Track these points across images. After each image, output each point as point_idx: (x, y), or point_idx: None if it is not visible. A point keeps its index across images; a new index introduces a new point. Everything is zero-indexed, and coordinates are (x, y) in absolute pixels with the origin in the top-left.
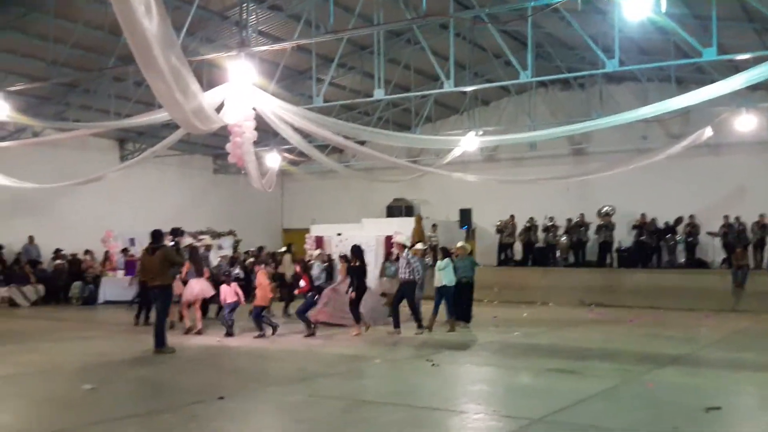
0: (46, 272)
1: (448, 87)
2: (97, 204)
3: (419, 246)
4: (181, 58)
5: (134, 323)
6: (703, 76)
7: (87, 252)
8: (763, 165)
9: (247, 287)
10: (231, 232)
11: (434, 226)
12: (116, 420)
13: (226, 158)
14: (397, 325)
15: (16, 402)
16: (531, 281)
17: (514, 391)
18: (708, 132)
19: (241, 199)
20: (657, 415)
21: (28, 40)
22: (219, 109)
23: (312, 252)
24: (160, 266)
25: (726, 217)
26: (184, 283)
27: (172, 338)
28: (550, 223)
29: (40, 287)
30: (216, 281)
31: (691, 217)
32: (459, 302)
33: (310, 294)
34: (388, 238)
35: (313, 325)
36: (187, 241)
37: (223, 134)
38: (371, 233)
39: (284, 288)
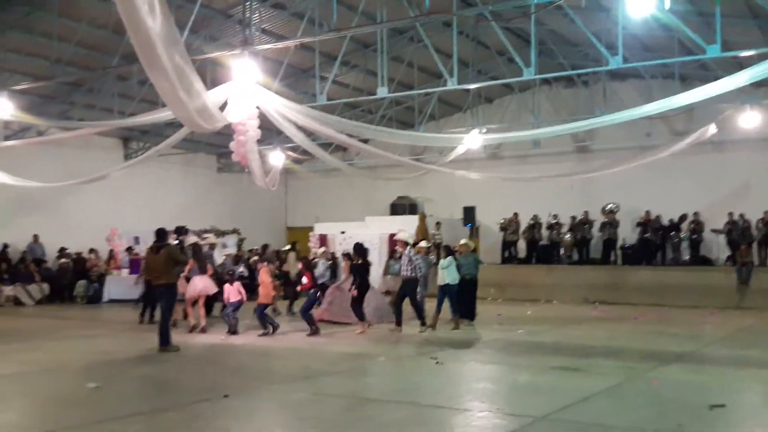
0: (51, 271)
1: (452, 85)
2: (101, 203)
3: (423, 244)
4: (185, 57)
5: (139, 321)
6: (707, 73)
7: (91, 251)
8: None
9: (251, 285)
10: (235, 231)
11: (438, 223)
12: (121, 418)
13: (229, 157)
14: (399, 322)
15: (20, 400)
16: (535, 279)
17: (518, 389)
18: (712, 129)
19: (245, 197)
20: (661, 413)
21: (32, 39)
22: (223, 107)
23: (316, 250)
24: (164, 265)
25: (730, 214)
26: (187, 280)
27: (177, 336)
28: (554, 221)
29: (45, 286)
30: (220, 279)
31: (696, 214)
32: (463, 300)
33: (312, 291)
34: (392, 236)
35: (315, 327)
36: (191, 239)
37: (226, 133)
38: (375, 231)
39: (289, 286)
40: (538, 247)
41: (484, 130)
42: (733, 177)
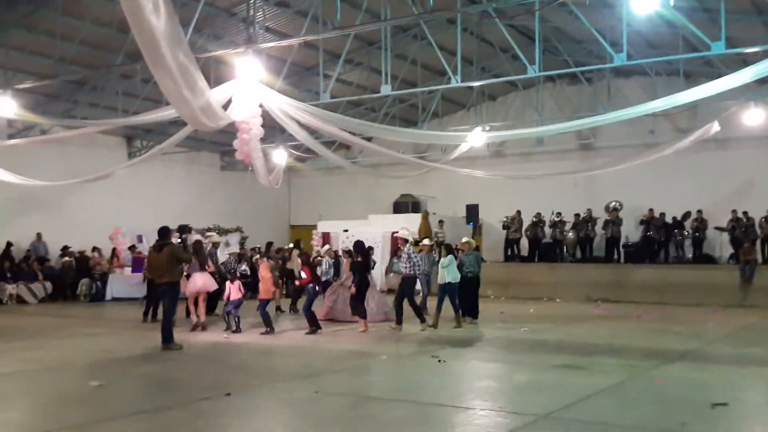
0: (54, 269)
1: (455, 82)
2: (104, 201)
3: (426, 242)
4: (189, 55)
5: (142, 320)
6: (712, 69)
7: (95, 249)
8: None
9: (253, 284)
10: (238, 229)
11: (441, 222)
12: (124, 417)
13: (233, 155)
14: (399, 321)
15: (23, 399)
16: (538, 277)
17: (521, 387)
18: (716, 126)
19: (248, 195)
20: (664, 411)
21: (36, 38)
22: (226, 105)
23: (319, 248)
24: (167, 263)
25: (734, 211)
26: (188, 276)
27: (179, 335)
28: (557, 219)
29: (48, 284)
30: (222, 277)
31: (699, 212)
32: (465, 297)
33: (310, 285)
34: (395, 234)
35: (315, 327)
36: (194, 238)
37: (230, 131)
38: (378, 229)
39: (292, 284)
40: (541, 245)
41: (488, 128)
42: (737, 174)
